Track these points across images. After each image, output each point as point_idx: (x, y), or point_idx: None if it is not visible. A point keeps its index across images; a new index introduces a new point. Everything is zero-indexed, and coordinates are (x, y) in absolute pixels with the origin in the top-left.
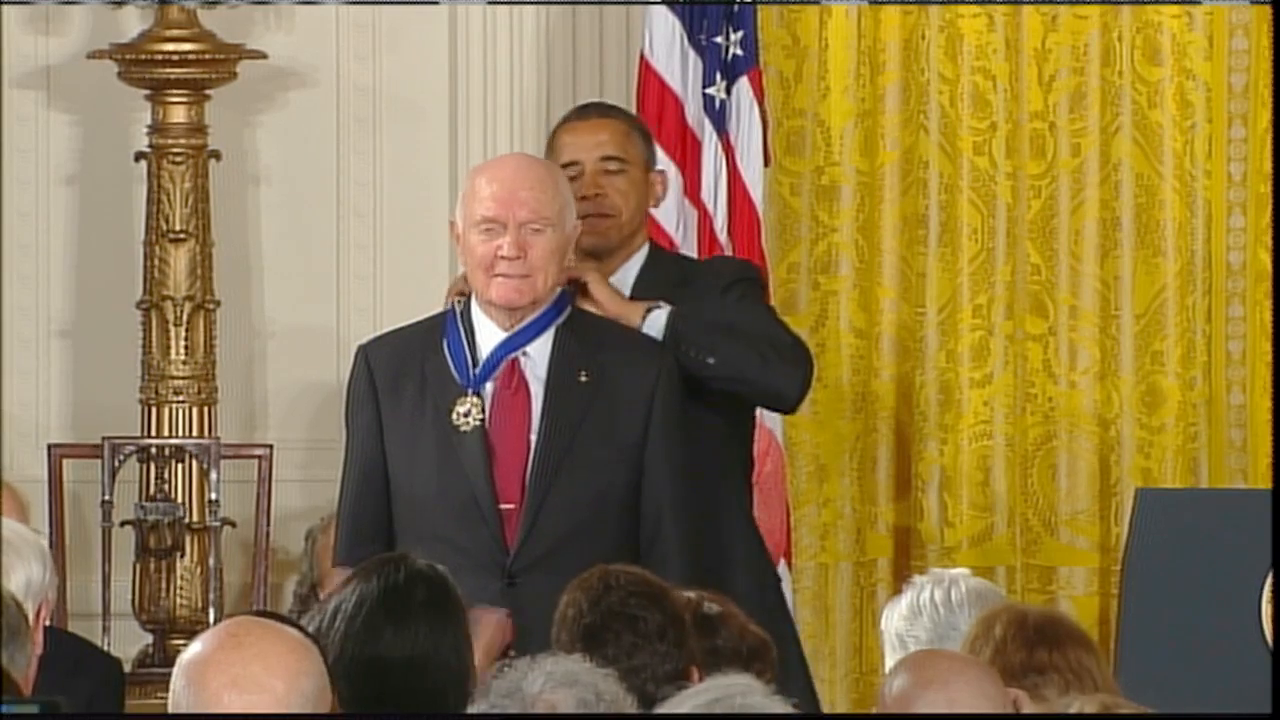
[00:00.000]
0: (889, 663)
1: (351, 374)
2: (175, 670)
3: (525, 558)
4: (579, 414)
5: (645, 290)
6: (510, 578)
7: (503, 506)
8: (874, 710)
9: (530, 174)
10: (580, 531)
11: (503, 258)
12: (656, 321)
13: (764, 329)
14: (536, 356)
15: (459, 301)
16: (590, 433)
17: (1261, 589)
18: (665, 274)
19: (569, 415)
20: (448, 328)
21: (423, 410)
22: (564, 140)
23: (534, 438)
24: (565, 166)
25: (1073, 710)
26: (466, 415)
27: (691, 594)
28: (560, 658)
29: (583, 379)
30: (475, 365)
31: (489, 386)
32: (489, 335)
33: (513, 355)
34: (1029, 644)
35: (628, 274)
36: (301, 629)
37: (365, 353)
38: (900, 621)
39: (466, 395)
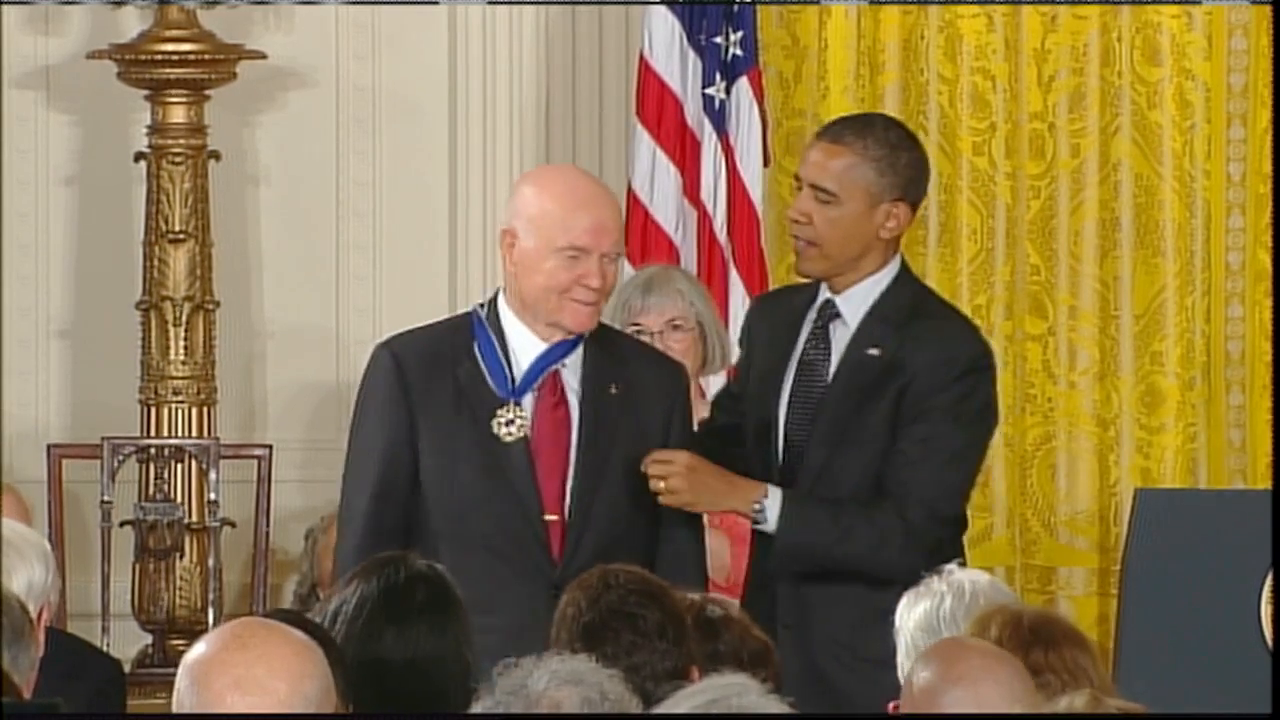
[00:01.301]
0: (900, 657)
1: (375, 370)
2: (179, 670)
3: (573, 568)
4: (613, 425)
5: (881, 313)
6: (556, 589)
7: (547, 518)
8: (899, 694)
9: (609, 203)
10: (620, 540)
11: (586, 286)
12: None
13: (923, 489)
14: (571, 368)
15: (481, 307)
16: (624, 443)
17: (1261, 589)
18: (899, 302)
19: (605, 427)
20: (477, 334)
21: (460, 418)
22: (806, 154)
23: (574, 450)
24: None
25: (1061, 706)
26: (509, 426)
27: (695, 596)
28: (565, 656)
29: (614, 391)
30: (514, 376)
31: (528, 398)
32: (526, 345)
33: (554, 367)
34: (1024, 645)
35: (870, 291)
36: (317, 627)
37: (392, 351)
38: (918, 632)
39: (508, 406)
